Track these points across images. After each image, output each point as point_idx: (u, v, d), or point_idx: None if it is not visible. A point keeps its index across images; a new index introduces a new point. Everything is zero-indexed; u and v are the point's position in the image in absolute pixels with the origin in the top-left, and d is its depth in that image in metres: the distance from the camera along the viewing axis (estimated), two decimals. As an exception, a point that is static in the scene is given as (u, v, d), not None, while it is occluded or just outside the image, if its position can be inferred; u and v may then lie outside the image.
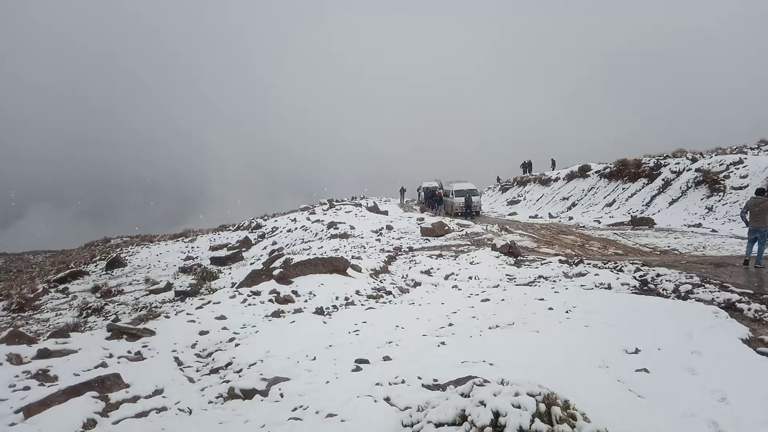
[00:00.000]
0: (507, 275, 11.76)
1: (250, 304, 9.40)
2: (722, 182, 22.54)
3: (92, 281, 19.55)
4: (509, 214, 33.09)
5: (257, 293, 9.92)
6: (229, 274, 18.63)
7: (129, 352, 6.98)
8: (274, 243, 24.59)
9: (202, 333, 7.91)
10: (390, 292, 10.96)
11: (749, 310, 7.69)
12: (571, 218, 27.60)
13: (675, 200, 24.56)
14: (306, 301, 9.80)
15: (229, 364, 6.36)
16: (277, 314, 8.98)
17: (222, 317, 8.64)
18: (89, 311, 13.41)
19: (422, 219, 25.65)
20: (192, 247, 28.43)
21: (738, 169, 22.75)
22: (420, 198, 43.70)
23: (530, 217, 30.16)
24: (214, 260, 21.72)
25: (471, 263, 13.53)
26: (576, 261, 12.88)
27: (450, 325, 7.32)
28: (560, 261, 12.96)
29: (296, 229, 26.30)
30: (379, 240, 19.99)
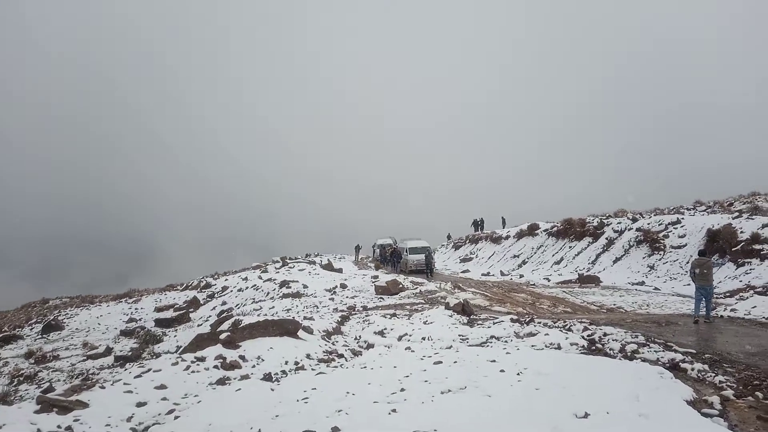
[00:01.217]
0: (460, 335, 11.73)
1: (193, 371, 8.98)
2: (662, 241, 23.64)
3: (26, 346, 18.30)
4: (462, 272, 33.46)
5: (202, 359, 9.51)
6: (175, 336, 17.86)
7: (59, 427, 6.49)
8: (224, 303, 23.85)
9: (139, 404, 7.45)
10: (342, 355, 10.71)
11: (692, 369, 7.91)
12: (521, 276, 28.14)
13: (619, 258, 25.50)
14: (254, 366, 9.43)
15: (168, 438, 5.98)
16: (222, 381, 8.60)
17: (162, 386, 8.19)
18: (21, 378, 12.53)
19: (377, 277, 25.54)
20: (135, 309, 27.20)
21: (676, 228, 23.95)
22: (375, 255, 43.71)
23: (482, 274, 30.57)
24: (159, 322, 20.82)
25: (425, 323, 13.47)
26: (527, 320, 13.03)
27: (402, 390, 7.17)
28: (512, 320, 13.07)
29: (247, 288, 25.67)
30: (332, 299, 19.71)
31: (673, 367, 8.02)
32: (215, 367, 9.20)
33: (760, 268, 17.82)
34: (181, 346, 12.11)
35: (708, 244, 20.68)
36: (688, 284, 19.51)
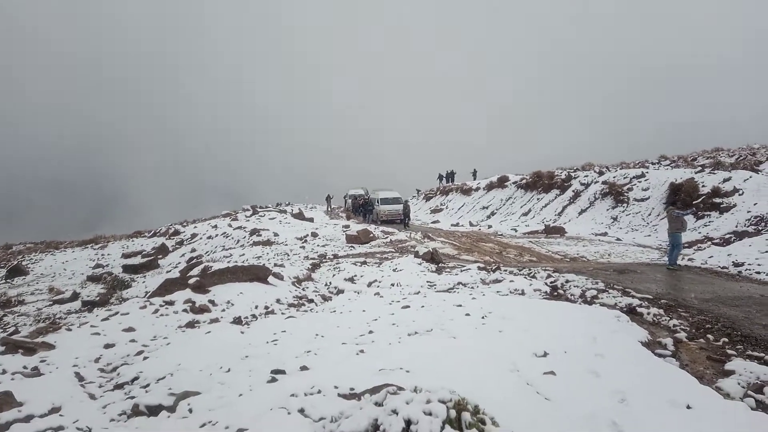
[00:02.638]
0: (428, 282, 11.95)
1: (162, 315, 8.96)
2: (626, 194, 24.22)
3: (-11, 291, 17.93)
4: (432, 222, 33.79)
5: (171, 303, 9.47)
6: (143, 282, 17.73)
7: (25, 367, 6.42)
8: (193, 250, 23.68)
9: (107, 346, 7.41)
10: (312, 300, 10.82)
11: (648, 314, 8.27)
12: (490, 226, 28.59)
13: (584, 210, 26.08)
14: (223, 310, 9.46)
15: (136, 378, 6.00)
16: (191, 325, 8.61)
17: (130, 329, 8.16)
18: (-16, 323, 12.30)
19: (348, 226, 25.61)
20: (102, 255, 26.84)
21: (640, 182, 24.53)
22: (347, 205, 43.69)
23: (452, 225, 30.93)
24: (127, 268, 20.60)
25: (394, 270, 13.66)
26: (494, 268, 13.33)
27: (370, 332, 7.31)
28: (479, 268, 13.35)
29: (217, 236, 25.47)
30: (303, 247, 19.73)
31: (630, 312, 8.37)
32: (184, 311, 9.19)
33: (718, 221, 18.47)
34: (149, 292, 12.03)
35: (670, 197, 21.29)
36: (649, 235, 20.23)
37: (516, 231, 25.85)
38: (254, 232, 23.92)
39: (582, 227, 23.92)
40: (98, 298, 14.27)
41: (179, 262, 21.06)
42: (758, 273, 11.69)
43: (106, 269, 21.98)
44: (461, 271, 13.28)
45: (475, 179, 44.14)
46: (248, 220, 29.81)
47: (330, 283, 12.64)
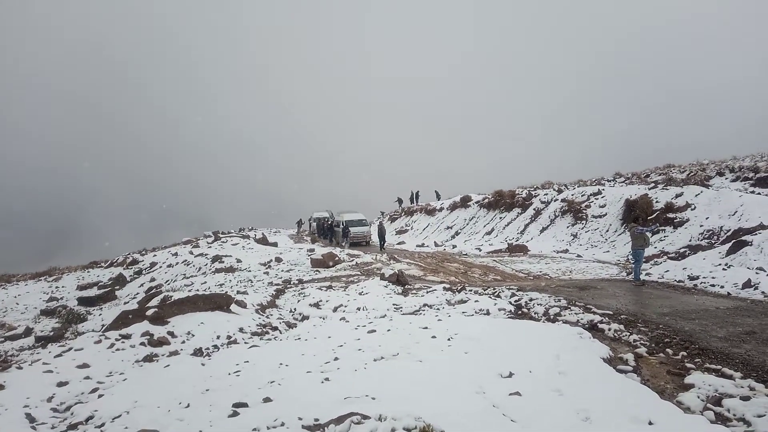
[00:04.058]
0: (394, 305, 11.89)
1: (118, 349, 8.60)
2: (584, 211, 24.86)
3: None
4: (398, 243, 33.85)
5: (127, 336, 9.11)
6: (100, 315, 17.15)
7: (-31, 412, 6.04)
8: (153, 279, 23.01)
9: (60, 384, 7.06)
10: (276, 328, 10.61)
11: (609, 330, 8.40)
12: (455, 246, 28.82)
13: (545, 228, 26.61)
14: (183, 342, 9.16)
15: (90, 418, 5.72)
16: (149, 358, 8.30)
17: (85, 365, 7.80)
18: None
19: (312, 250, 25.40)
20: (57, 287, 25.77)
21: (597, 199, 25.22)
22: (311, 229, 43.40)
23: (417, 245, 31.05)
24: (83, 300, 19.88)
25: (360, 294, 13.55)
26: (459, 288, 13.38)
27: (335, 359, 7.19)
28: (444, 288, 13.39)
29: (178, 263, 24.84)
30: (267, 273, 19.43)
31: (592, 328, 8.50)
32: (142, 344, 8.85)
33: (673, 235, 19.10)
34: (106, 325, 11.59)
35: (626, 213, 21.94)
36: (608, 251, 20.73)
37: (480, 250, 26.12)
38: (216, 258, 23.43)
39: (544, 245, 24.36)
40: (52, 333, 13.72)
41: (138, 293, 20.43)
42: (713, 286, 12.08)
43: (61, 302, 21.12)
44: (427, 292, 13.29)
45: (438, 200, 44.58)
46: (210, 247, 29.20)
47: (295, 309, 12.44)
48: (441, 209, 39.64)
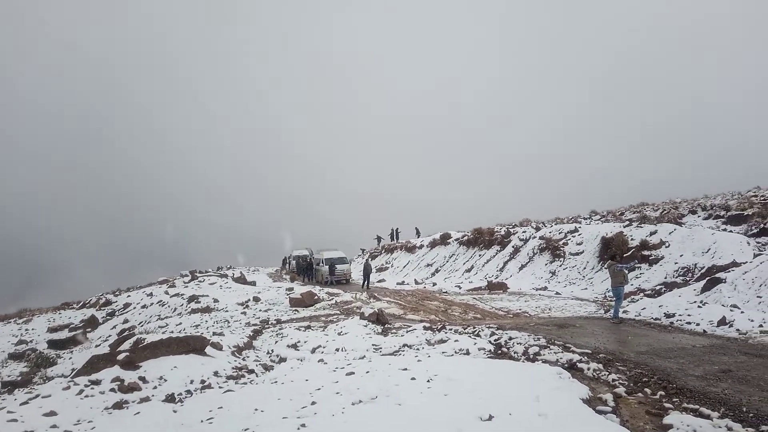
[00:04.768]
0: (374, 345, 11.74)
1: (87, 396, 8.28)
2: (562, 249, 25.15)
3: None
4: (378, 281, 33.69)
5: (97, 382, 8.79)
6: (70, 358, 16.60)
7: None
8: (126, 321, 22.45)
9: (24, 435, 6.75)
10: (253, 371, 10.35)
11: (588, 369, 8.39)
12: (435, 284, 28.77)
13: (524, 265, 26.79)
14: (155, 387, 8.86)
15: (54, 471, 5.45)
16: (119, 405, 7.99)
17: (52, 413, 7.48)
18: None
19: (291, 289, 25.12)
20: (27, 330, 24.92)
21: (574, 236, 25.58)
22: (290, 267, 43.03)
23: (398, 283, 30.96)
24: (53, 344, 19.21)
25: (339, 334, 13.37)
26: (439, 327, 13.30)
27: (313, 403, 7.02)
28: (424, 328, 13.28)
29: (152, 304, 24.32)
30: (244, 313, 19.08)
31: (571, 367, 8.48)
32: (112, 390, 8.54)
33: (648, 273, 19.38)
34: (76, 369, 11.19)
35: (603, 251, 22.24)
36: (585, 288, 20.90)
37: (460, 288, 26.11)
38: (193, 298, 22.99)
39: (523, 282, 24.48)
40: (20, 378, 13.19)
41: (110, 335, 19.88)
42: (688, 323, 12.21)
43: (30, 345, 20.38)
44: (407, 331, 13.16)
45: (418, 237, 44.72)
46: (186, 287, 28.70)
47: (272, 350, 12.18)
48: (421, 246, 39.72)
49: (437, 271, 33.53)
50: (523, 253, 27.86)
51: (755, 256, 17.15)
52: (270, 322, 16.61)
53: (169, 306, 23.08)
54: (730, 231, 21.06)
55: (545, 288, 22.46)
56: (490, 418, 5.86)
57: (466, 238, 34.49)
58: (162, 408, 7.74)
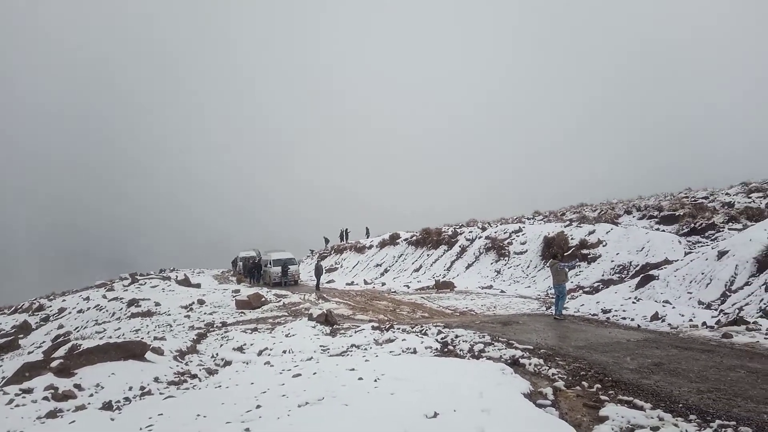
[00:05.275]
0: (321, 346, 11.68)
1: (18, 405, 7.85)
2: (507, 248, 25.83)
3: None
4: (327, 282, 33.52)
5: (29, 390, 8.34)
6: (0, 367, 15.63)
7: None
8: (61, 327, 21.39)
9: (-57, 451, 6.33)
10: (196, 375, 10.09)
11: (530, 364, 8.66)
12: (384, 284, 28.92)
13: (471, 264, 27.34)
14: (92, 395, 8.50)
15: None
16: (53, 414, 7.61)
17: (-23, 426, 7.05)
18: None
19: (238, 291, 24.62)
20: (-51, 338, 23.29)
21: (518, 236, 26.33)
22: (237, 269, 42.20)
23: (347, 284, 30.91)
24: (-21, 352, 18.02)
25: (287, 336, 13.22)
26: (387, 327, 13.37)
27: (258, 407, 6.91)
28: (373, 327, 13.32)
29: (89, 309, 23.29)
30: (188, 316, 18.55)
31: (514, 363, 8.72)
32: (45, 398, 8.13)
33: (587, 270, 20.18)
34: (6, 378, 10.57)
35: (545, 250, 22.99)
36: (529, 286, 21.53)
37: (408, 287, 26.33)
38: (133, 302, 22.13)
39: (469, 281, 24.96)
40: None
41: (44, 342, 18.88)
42: (624, 319, 12.80)
43: (-48, 355, 19.08)
44: (355, 332, 13.16)
45: (368, 237, 44.81)
46: (126, 290, 27.63)
47: (217, 354, 11.91)
48: (371, 247, 39.83)
49: (386, 271, 33.71)
50: (470, 252, 28.42)
51: (686, 254, 18.18)
52: (215, 325, 16.23)
53: (107, 310, 22.16)
54: (663, 230, 22.21)
55: (491, 286, 22.98)
56: (435, 415, 5.95)
57: (414, 238, 34.86)
58: (98, 416, 7.44)
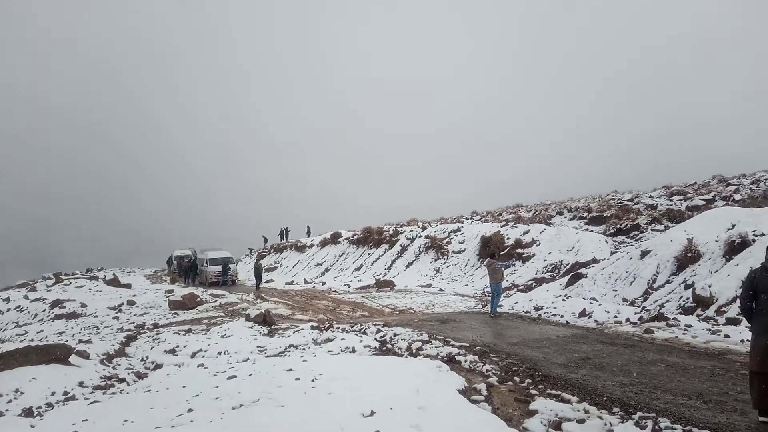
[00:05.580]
0: (258, 347, 11.48)
1: None
2: (446, 247, 26.33)
3: None
4: (266, 281, 32.97)
5: (-65, 400, 7.74)
6: None
7: None
8: (-25, 330, 19.88)
9: None
10: (124, 379, 9.67)
11: (466, 361, 8.85)
12: (324, 283, 28.78)
13: (411, 263, 27.67)
14: (10, 401, 7.97)
15: None
16: (-38, 425, 7.09)
17: None
18: None
19: (172, 291, 23.80)
20: None
21: (457, 236, 26.89)
22: (172, 268, 40.78)
23: (287, 283, 30.57)
24: None
25: (222, 337, 12.92)
26: (326, 326, 13.31)
27: (189, 411, 6.71)
28: (312, 327, 13.23)
29: (9, 310, 21.84)
30: (117, 318, 17.78)
31: (450, 360, 8.90)
32: (-46, 408, 7.56)
33: (522, 269, 20.87)
34: None
35: (482, 249, 23.60)
36: (467, 285, 22.02)
37: (349, 286, 26.33)
38: (57, 303, 20.92)
39: (409, 279, 25.25)
40: None
41: (-46, 346, 17.50)
42: (554, 315, 13.33)
43: None
44: (294, 332, 13.02)
45: (309, 236, 44.44)
46: (50, 290, 26.09)
47: (147, 357, 11.47)
48: (311, 246, 39.53)
49: (327, 270, 33.57)
50: (410, 251, 28.77)
51: (612, 253, 19.16)
52: (146, 327, 15.64)
53: (29, 312, 20.87)
54: (592, 231, 23.34)
55: (430, 285, 23.34)
56: (372, 414, 5.98)
57: (356, 237, 34.90)
58: (18, 423, 6.99)
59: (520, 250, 21.87)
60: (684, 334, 10.11)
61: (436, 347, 9.89)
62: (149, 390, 8.44)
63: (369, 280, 26.94)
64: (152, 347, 12.33)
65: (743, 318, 7.13)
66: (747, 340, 6.53)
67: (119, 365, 10.66)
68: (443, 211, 57.50)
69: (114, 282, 29.65)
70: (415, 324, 12.84)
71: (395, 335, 11.36)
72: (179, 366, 10.40)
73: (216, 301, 20.87)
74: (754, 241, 12.47)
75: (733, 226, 13.75)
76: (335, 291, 24.79)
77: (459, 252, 25.48)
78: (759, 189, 24.80)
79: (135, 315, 18.18)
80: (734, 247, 12.87)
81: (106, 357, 10.93)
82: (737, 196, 23.86)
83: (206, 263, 31.42)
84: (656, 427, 5.48)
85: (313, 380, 7.76)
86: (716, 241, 13.56)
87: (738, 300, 8.99)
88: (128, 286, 28.83)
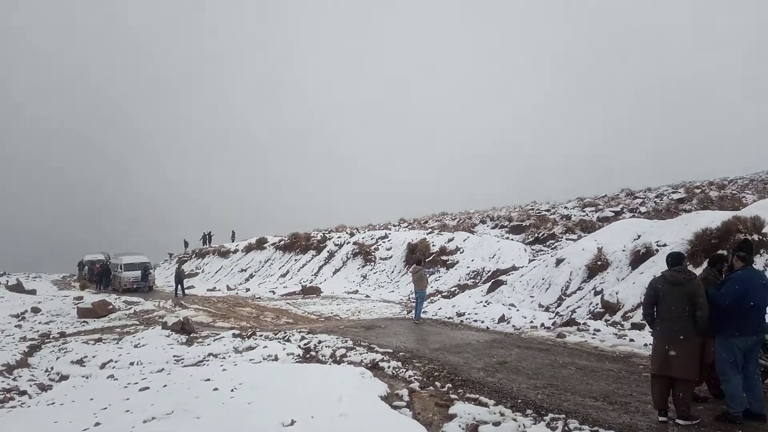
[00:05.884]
0: (175, 356, 11.01)
1: None
2: (373, 254, 26.49)
3: None
4: (187, 288, 31.65)
5: None
6: None
7: None
8: None
9: None
10: (25, 392, 8.98)
11: (389, 367, 8.92)
12: (248, 289, 28.12)
13: (338, 270, 27.60)
14: None
15: None
16: None
17: None
18: None
19: (81, 298, 22.38)
20: None
21: (384, 242, 27.14)
22: (83, 273, 38.33)
23: (208, 290, 29.65)
24: None
25: (135, 346, 12.29)
26: (249, 334, 12.99)
27: (97, 425, 6.31)
28: (233, 335, 12.86)
29: None
30: (20, 326, 16.46)
31: (374, 367, 8.94)
32: None
33: (446, 276, 21.35)
34: None
35: (409, 256, 23.94)
36: (392, 291, 22.24)
37: (274, 293, 25.86)
38: (-51, 311, 19.10)
39: (336, 286, 25.16)
40: None
41: None
42: (476, 321, 13.72)
43: None
44: (214, 340, 12.60)
45: (233, 241, 43.26)
46: (-60, 297, 23.76)
47: (52, 368, 10.69)
48: (236, 251, 38.49)
49: (252, 276, 32.80)
50: (338, 257, 28.69)
51: (530, 261, 20.02)
52: (52, 336, 14.62)
53: None
54: (512, 239, 24.29)
55: (356, 291, 23.37)
56: (293, 423, 5.88)
57: (283, 242, 34.36)
58: None
59: (444, 257, 22.38)
60: (593, 338, 10.70)
61: (360, 354, 9.89)
62: (53, 403, 7.85)
63: (295, 287, 26.58)
64: (58, 357, 11.54)
65: (646, 323, 7.67)
66: (650, 344, 6.99)
67: (21, 377, 9.91)
68: (372, 218, 57.93)
69: (17, 287, 27.45)
70: (340, 331, 12.80)
71: (320, 342, 11.26)
72: (87, 377, 9.78)
73: (131, 308, 19.85)
74: (657, 251, 13.41)
75: (639, 236, 14.74)
76: (260, 298, 24.27)
77: (386, 258, 25.71)
78: (663, 202, 26.82)
79: (40, 323, 16.93)
80: (639, 257, 13.79)
81: (5, 368, 10.13)
82: (643, 209, 25.70)
83: (121, 268, 29.81)
84: (566, 427, 5.77)
85: (232, 390, 7.52)
86: (623, 251, 14.49)
87: (641, 306, 9.65)
88: (33, 292, 26.86)
